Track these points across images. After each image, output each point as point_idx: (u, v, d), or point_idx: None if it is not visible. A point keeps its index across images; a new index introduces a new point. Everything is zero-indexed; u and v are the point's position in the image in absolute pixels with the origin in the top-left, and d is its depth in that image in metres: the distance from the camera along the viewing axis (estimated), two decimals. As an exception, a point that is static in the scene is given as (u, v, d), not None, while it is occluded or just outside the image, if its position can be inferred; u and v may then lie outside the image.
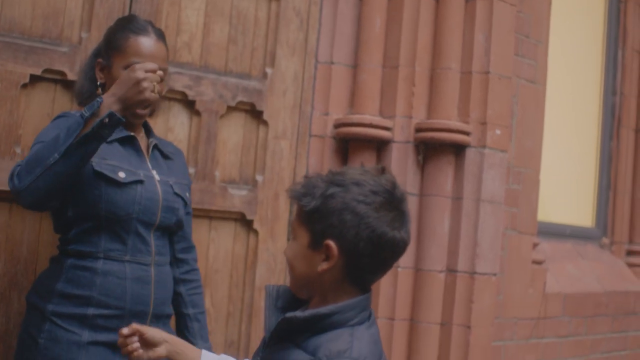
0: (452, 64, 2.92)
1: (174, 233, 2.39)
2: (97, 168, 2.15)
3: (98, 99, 2.01)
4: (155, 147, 2.35)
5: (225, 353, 2.42)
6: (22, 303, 2.49)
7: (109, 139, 2.14)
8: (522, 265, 3.40)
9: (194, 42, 2.82)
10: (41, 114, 2.54)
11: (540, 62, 3.46)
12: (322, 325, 1.52)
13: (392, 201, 1.52)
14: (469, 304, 2.87)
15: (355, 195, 1.50)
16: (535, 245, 3.52)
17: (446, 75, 2.93)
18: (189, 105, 2.79)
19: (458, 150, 2.93)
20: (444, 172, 2.92)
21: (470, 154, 2.92)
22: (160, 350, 1.74)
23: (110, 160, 2.18)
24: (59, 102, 2.57)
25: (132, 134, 2.27)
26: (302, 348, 1.53)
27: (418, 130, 2.92)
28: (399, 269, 2.90)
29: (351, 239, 1.49)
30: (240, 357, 2.88)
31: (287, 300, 1.64)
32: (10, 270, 2.49)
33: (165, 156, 2.37)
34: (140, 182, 2.21)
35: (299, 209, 1.57)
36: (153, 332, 1.76)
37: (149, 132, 2.39)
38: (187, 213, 2.44)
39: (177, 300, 2.45)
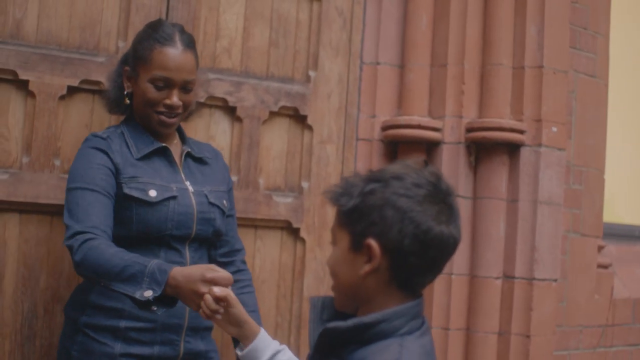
0: (503, 60, 2.78)
1: (213, 243, 2.32)
2: (126, 191, 2.12)
3: (165, 273, 1.83)
4: (189, 155, 2.28)
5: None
6: (65, 317, 2.47)
7: (138, 156, 2.15)
8: (587, 270, 3.21)
9: (234, 47, 2.76)
10: (80, 125, 2.51)
11: (601, 55, 3.27)
12: (368, 335, 1.38)
13: (437, 194, 1.38)
14: (528, 312, 2.72)
15: (396, 189, 1.37)
16: (600, 248, 3.32)
17: (497, 72, 2.78)
18: (230, 111, 2.73)
19: (512, 149, 2.79)
20: (497, 173, 2.78)
21: (525, 154, 2.77)
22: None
23: (141, 178, 2.14)
24: (97, 112, 2.54)
25: (164, 144, 2.22)
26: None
27: (469, 130, 2.78)
28: (453, 276, 2.77)
29: (394, 236, 1.35)
30: (290, 370, 2.79)
31: (333, 312, 1.50)
32: (53, 284, 2.47)
33: (200, 162, 2.30)
34: (173, 197, 2.16)
35: (338, 211, 1.44)
36: (239, 310, 1.77)
37: (183, 138, 2.33)
38: (229, 216, 2.37)
39: None
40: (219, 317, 1.78)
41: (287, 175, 2.83)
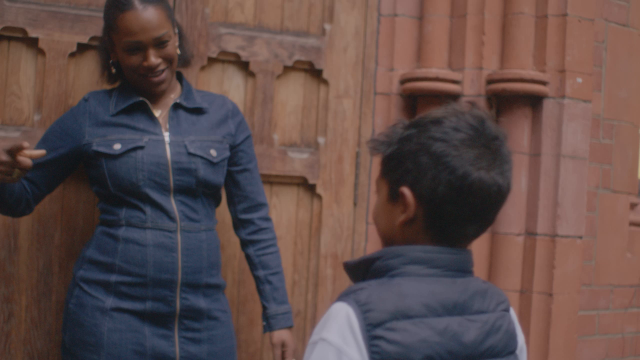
0: (524, 8, 2.66)
1: (213, 196, 2.28)
2: (94, 148, 2.17)
3: None
4: (179, 106, 2.25)
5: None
6: (80, 273, 2.49)
7: (114, 111, 2.20)
8: (618, 228, 3.09)
9: (247, 1, 2.70)
10: (90, 82, 2.50)
11: (634, 3, 3.11)
12: (370, 273, 1.34)
13: (478, 138, 1.29)
14: (550, 270, 2.63)
15: (432, 134, 1.30)
16: (633, 205, 3.20)
17: (518, 21, 2.67)
18: (243, 66, 2.68)
19: (534, 102, 2.68)
20: (519, 126, 2.68)
21: (548, 106, 2.66)
22: None
23: (111, 135, 2.17)
24: (109, 69, 2.52)
25: (141, 99, 2.21)
26: None
27: (489, 82, 2.69)
28: (473, 233, 2.70)
29: (428, 183, 1.29)
30: (307, 327, 2.78)
31: None
32: (67, 241, 2.49)
33: (195, 112, 2.27)
34: (140, 147, 2.15)
35: (381, 161, 1.39)
36: None
37: (185, 90, 2.29)
38: (245, 170, 2.34)
39: (249, 263, 2.38)
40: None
41: (303, 131, 2.78)
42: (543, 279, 2.64)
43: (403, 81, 2.78)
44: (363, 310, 1.26)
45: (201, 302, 2.20)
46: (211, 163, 2.23)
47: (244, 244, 2.38)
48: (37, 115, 2.44)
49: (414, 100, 2.80)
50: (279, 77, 2.72)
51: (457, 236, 1.34)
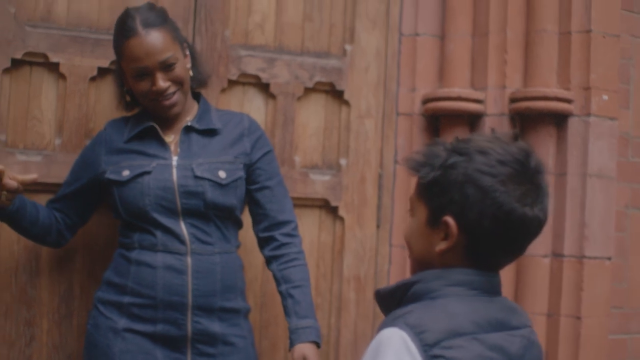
0: (547, 25, 2.62)
1: (226, 218, 2.25)
2: (107, 176, 2.22)
3: None
4: (191, 128, 2.24)
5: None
6: (101, 297, 2.49)
7: (127, 138, 2.24)
8: (650, 248, 3.01)
9: (267, 22, 2.70)
10: (111, 106, 2.51)
11: (663, 18, 3.05)
12: (408, 297, 1.36)
13: (524, 173, 1.32)
14: (578, 292, 2.56)
15: (479, 166, 1.31)
16: (666, 225, 3.11)
17: (541, 38, 2.62)
18: (264, 88, 2.68)
19: (559, 120, 2.62)
20: (544, 145, 2.62)
21: (573, 124, 2.61)
22: None
23: (123, 162, 2.21)
24: (129, 93, 2.54)
25: (151, 124, 2.23)
26: None
27: (513, 100, 2.64)
28: (498, 255, 2.64)
29: (474, 216, 1.31)
30: (331, 352, 2.73)
31: None
32: (88, 264, 2.51)
33: (207, 133, 2.26)
34: (147, 173, 2.17)
35: (417, 181, 1.41)
36: None
37: (204, 110, 2.29)
38: (265, 188, 2.31)
39: (275, 280, 2.32)
40: None
41: (325, 153, 2.76)
42: (571, 302, 2.57)
43: (425, 101, 2.75)
44: (417, 332, 1.26)
45: (216, 327, 2.17)
46: (219, 185, 2.20)
47: (268, 262, 2.33)
48: (58, 139, 2.46)
49: (437, 120, 2.77)
50: (299, 98, 2.71)
51: (493, 264, 1.38)
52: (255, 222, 2.35)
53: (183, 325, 2.14)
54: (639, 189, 2.97)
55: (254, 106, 2.67)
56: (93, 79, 2.50)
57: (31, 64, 2.45)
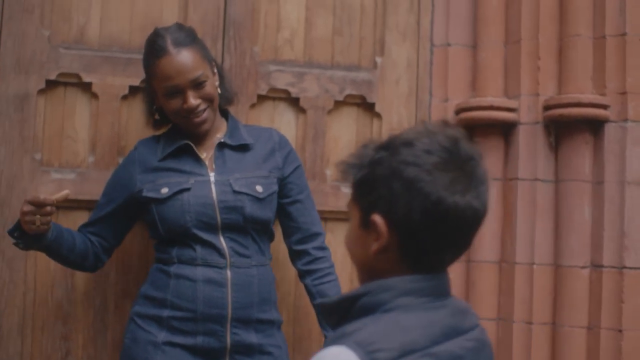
0: (581, 30, 2.55)
1: (263, 231, 2.28)
2: (144, 194, 2.24)
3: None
4: (224, 145, 2.28)
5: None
6: (135, 312, 2.52)
7: (161, 156, 2.26)
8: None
9: (296, 38, 2.72)
10: (143, 124, 2.54)
11: None
12: (355, 311, 1.26)
13: (453, 160, 1.23)
14: (619, 304, 2.47)
15: (404, 157, 1.24)
16: None
17: (575, 44, 2.56)
18: (294, 103, 2.68)
19: (595, 127, 2.55)
20: (580, 153, 2.55)
21: (609, 130, 2.52)
22: None
23: (159, 180, 2.23)
24: (161, 110, 2.58)
25: (186, 142, 2.25)
26: None
27: (547, 108, 2.58)
28: (535, 266, 2.57)
29: (402, 210, 1.22)
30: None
31: None
32: (122, 280, 2.54)
33: (240, 149, 2.29)
34: (187, 190, 2.19)
35: (351, 185, 1.33)
36: None
37: (231, 127, 2.32)
38: (296, 201, 2.34)
39: (307, 294, 2.37)
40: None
41: (357, 166, 2.74)
42: (611, 314, 2.47)
43: (458, 111, 2.71)
44: (368, 351, 1.16)
45: (252, 338, 2.20)
46: (257, 199, 2.24)
47: (301, 275, 2.37)
48: (91, 157, 2.52)
49: (471, 130, 2.71)
50: (330, 112, 2.70)
51: (434, 263, 1.28)
52: (287, 235, 2.38)
53: (222, 337, 2.17)
54: (684, 197, 2.85)
55: (285, 120, 2.68)
56: (125, 97, 2.55)
57: (65, 84, 2.53)
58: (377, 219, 1.25)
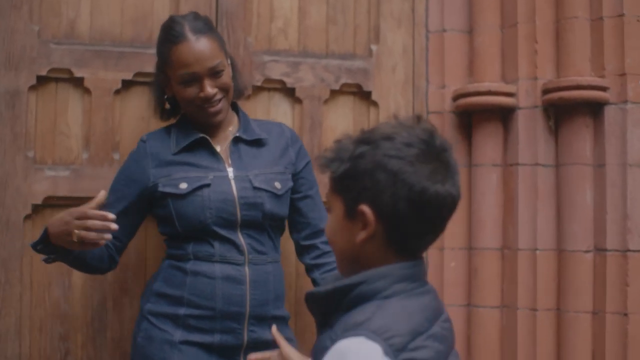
0: (578, 12, 2.52)
1: (278, 228, 2.27)
2: (161, 189, 2.17)
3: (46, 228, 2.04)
4: (239, 139, 2.24)
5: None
6: (134, 309, 2.48)
7: (176, 150, 2.19)
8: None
9: (290, 27, 2.68)
10: (137, 118, 2.53)
11: None
12: (350, 300, 1.35)
13: (430, 152, 1.33)
14: (624, 288, 2.44)
15: (386, 151, 1.32)
16: None
17: (572, 26, 2.52)
18: (289, 93, 2.65)
19: (595, 109, 2.52)
20: (580, 136, 2.52)
21: (609, 112, 2.50)
22: None
23: (176, 174, 2.16)
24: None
25: (201, 135, 2.20)
26: (332, 328, 1.34)
27: (545, 91, 2.55)
28: (538, 252, 2.54)
29: (388, 200, 1.32)
30: None
31: None
32: (120, 277, 2.50)
33: (255, 144, 2.25)
34: (207, 185, 2.14)
35: (330, 177, 1.41)
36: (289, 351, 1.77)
37: (242, 121, 2.28)
38: (307, 197, 2.31)
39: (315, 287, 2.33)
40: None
41: (354, 155, 2.71)
42: (616, 298, 2.45)
43: (455, 98, 2.68)
44: (385, 338, 1.25)
45: (267, 334, 2.15)
46: (276, 195, 2.21)
47: (309, 269, 2.34)
48: (85, 154, 2.48)
49: (469, 117, 2.69)
50: (326, 101, 2.67)
51: (417, 248, 1.39)
52: (296, 230, 2.35)
53: (240, 334, 2.14)
54: (686, 179, 2.83)
55: (280, 111, 2.64)
56: (117, 91, 2.50)
57: (56, 80, 2.48)
58: (365, 209, 1.33)
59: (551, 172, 2.57)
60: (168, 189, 2.15)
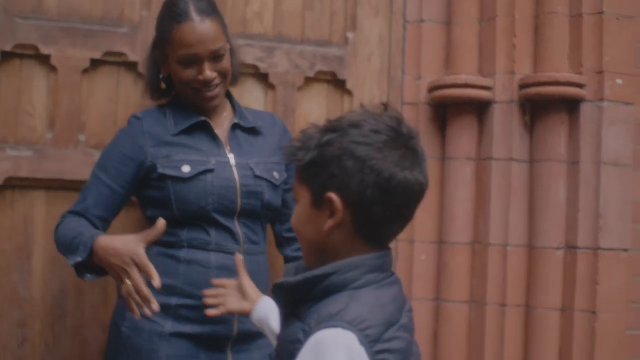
0: (557, 7, 2.49)
1: (270, 218, 2.21)
2: (160, 171, 2.07)
3: (89, 244, 1.90)
4: (237, 126, 2.18)
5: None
6: (96, 295, 2.41)
7: (176, 131, 2.11)
8: (670, 240, 2.88)
9: (266, 11, 2.61)
10: (105, 99, 2.44)
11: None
12: (320, 290, 1.33)
13: (398, 139, 1.33)
14: (593, 286, 2.44)
15: (354, 138, 1.32)
16: (686, 216, 2.98)
17: (551, 21, 2.50)
18: (263, 78, 2.58)
19: (571, 106, 2.50)
20: (556, 133, 2.50)
21: (586, 110, 2.48)
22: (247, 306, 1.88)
23: (176, 156, 2.08)
24: (124, 85, 2.47)
25: (203, 118, 2.13)
26: (300, 319, 1.32)
27: (522, 86, 2.52)
28: (509, 247, 2.52)
29: (356, 187, 1.31)
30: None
31: None
32: (84, 262, 2.41)
33: (252, 132, 2.20)
34: (210, 171, 2.07)
35: (297, 167, 1.39)
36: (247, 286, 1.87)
37: (235, 108, 2.23)
38: (292, 189, 2.25)
39: None
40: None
41: (327, 145, 2.66)
42: (586, 296, 2.45)
43: (431, 90, 2.64)
44: (361, 329, 1.25)
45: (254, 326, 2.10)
46: (274, 186, 2.17)
47: (290, 261, 2.30)
48: (50, 134, 2.39)
49: (444, 109, 2.66)
50: (300, 88, 2.61)
51: (384, 236, 1.38)
52: (279, 222, 2.30)
53: (230, 325, 2.08)
54: (656, 179, 2.84)
55: (253, 97, 2.58)
56: (86, 71, 2.41)
57: (22, 56, 2.38)
58: (333, 196, 1.32)
59: (525, 168, 2.55)
60: (169, 171, 2.07)
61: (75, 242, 1.94)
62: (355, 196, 1.31)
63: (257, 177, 2.13)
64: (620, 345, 2.45)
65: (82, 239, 1.93)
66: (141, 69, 2.42)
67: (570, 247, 2.48)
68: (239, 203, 2.10)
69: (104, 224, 2.11)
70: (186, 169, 2.07)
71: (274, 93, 2.58)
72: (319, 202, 1.34)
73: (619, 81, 2.47)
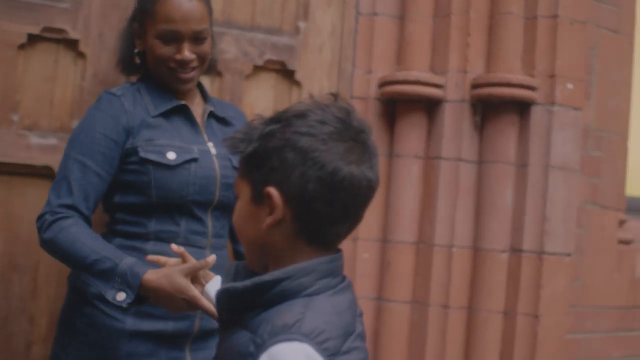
0: (513, 8, 2.49)
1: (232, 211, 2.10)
2: (142, 155, 1.94)
3: (132, 281, 1.76)
4: (212, 114, 2.08)
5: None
6: (24, 286, 2.27)
7: (155, 114, 1.97)
8: (606, 246, 2.92)
9: (215, -6, 2.50)
10: (42, 77, 2.29)
11: (626, 9, 2.97)
12: (270, 297, 1.21)
13: (346, 131, 1.22)
14: (536, 290, 2.45)
15: (297, 128, 1.21)
16: (622, 222, 3.04)
17: (506, 22, 2.49)
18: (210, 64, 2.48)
19: (522, 108, 2.50)
20: (505, 134, 2.50)
21: (536, 113, 2.49)
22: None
23: (158, 140, 1.95)
24: (62, 63, 2.32)
25: (183, 102, 2.02)
26: (247, 328, 1.21)
27: (474, 86, 2.51)
28: (454, 249, 2.51)
29: (297, 181, 1.20)
30: None
31: (248, 276, 1.30)
32: (10, 250, 2.27)
33: (224, 122, 2.11)
34: (194, 160, 1.96)
35: (239, 160, 1.30)
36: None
37: (205, 96, 2.13)
38: None
39: None
40: None
41: (273, 136, 2.58)
42: (529, 300, 2.45)
43: (381, 85, 2.60)
44: (319, 342, 1.15)
45: (215, 323, 1.98)
46: None
47: (238, 257, 2.23)
48: (-21, 112, 2.23)
49: (393, 105, 2.62)
50: (248, 76, 2.52)
51: (330, 237, 1.26)
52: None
53: (192, 322, 1.97)
54: (597, 184, 2.89)
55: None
56: (22, 46, 2.26)
57: (-49, 28, 2.21)
58: (272, 190, 1.22)
59: (473, 169, 2.54)
60: (152, 156, 1.93)
61: (103, 268, 1.78)
62: (296, 191, 1.21)
63: (234, 168, 2.04)
64: (560, 349, 2.47)
65: (114, 269, 1.77)
66: (82, 47, 2.28)
67: (515, 250, 2.48)
68: (217, 194, 2.01)
69: (91, 216, 1.94)
70: (171, 155, 1.95)
71: (221, 80, 2.48)
72: (259, 198, 1.25)
73: (570, 85, 2.48)
